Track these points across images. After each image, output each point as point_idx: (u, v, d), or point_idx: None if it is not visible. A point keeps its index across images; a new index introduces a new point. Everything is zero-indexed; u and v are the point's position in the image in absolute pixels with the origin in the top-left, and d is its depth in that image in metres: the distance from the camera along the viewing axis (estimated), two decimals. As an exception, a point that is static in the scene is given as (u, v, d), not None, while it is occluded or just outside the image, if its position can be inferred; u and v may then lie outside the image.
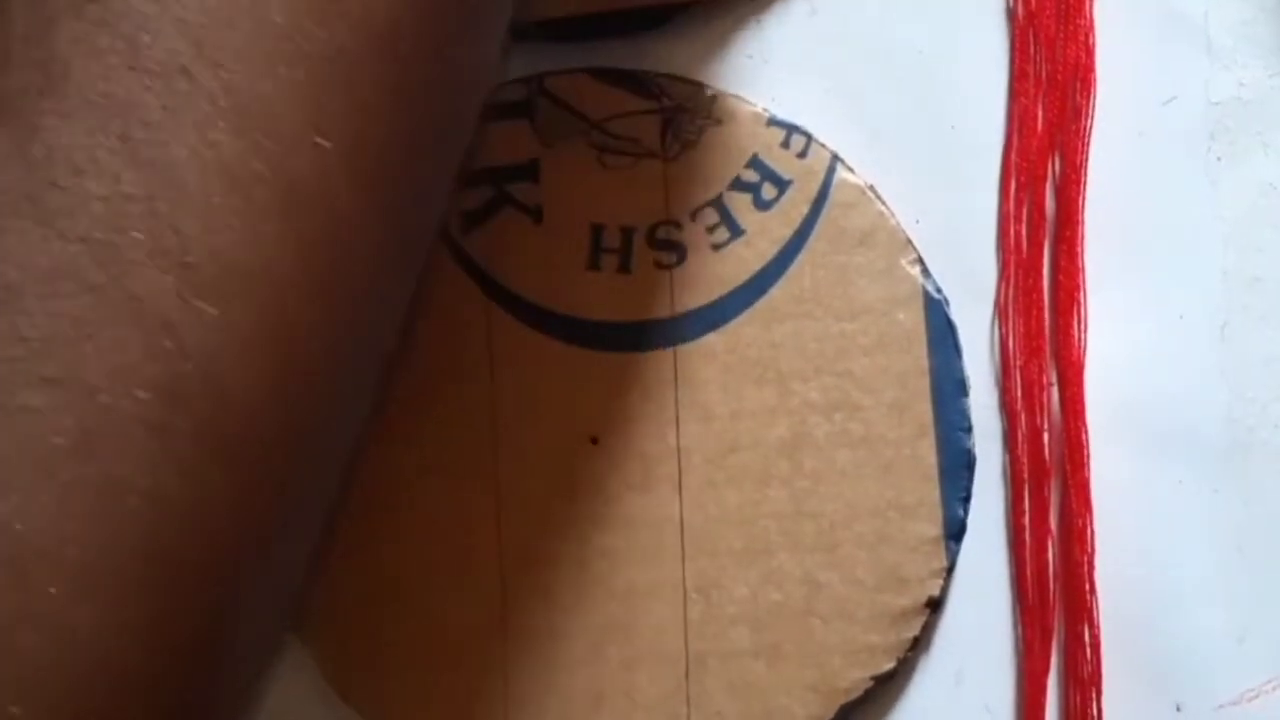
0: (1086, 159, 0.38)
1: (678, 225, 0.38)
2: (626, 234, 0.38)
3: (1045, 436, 0.38)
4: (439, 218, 0.30)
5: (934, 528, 0.38)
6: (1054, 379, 0.39)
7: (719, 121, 0.38)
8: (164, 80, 0.24)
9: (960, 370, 0.38)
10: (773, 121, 0.38)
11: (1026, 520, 0.38)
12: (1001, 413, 0.39)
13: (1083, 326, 0.38)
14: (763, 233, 0.38)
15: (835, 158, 0.38)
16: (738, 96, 0.39)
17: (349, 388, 0.28)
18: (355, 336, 0.27)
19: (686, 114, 0.38)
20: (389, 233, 0.27)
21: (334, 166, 0.25)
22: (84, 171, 0.23)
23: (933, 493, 0.38)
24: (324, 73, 0.24)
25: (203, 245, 0.24)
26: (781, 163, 0.38)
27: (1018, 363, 0.39)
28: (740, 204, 0.38)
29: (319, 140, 0.24)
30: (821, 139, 0.38)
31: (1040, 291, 0.39)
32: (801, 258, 0.38)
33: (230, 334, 0.24)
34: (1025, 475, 0.38)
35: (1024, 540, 0.38)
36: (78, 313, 0.23)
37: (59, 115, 0.24)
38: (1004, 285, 0.39)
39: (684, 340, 0.38)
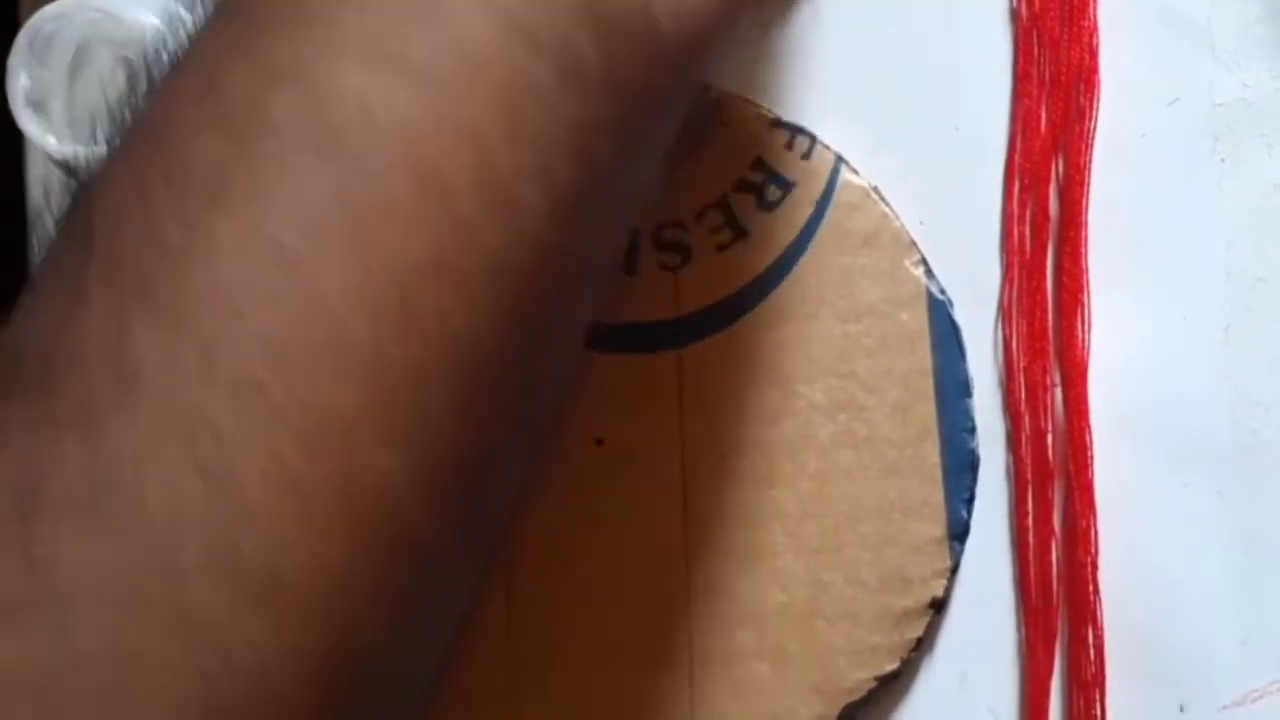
0: (1090, 160, 0.38)
1: (682, 226, 0.39)
2: (631, 235, 0.39)
3: (1049, 438, 0.38)
4: (514, 507, 0.28)
5: (938, 528, 0.38)
6: (1058, 380, 0.39)
7: (724, 123, 0.39)
8: (236, 394, 0.23)
9: (964, 371, 0.38)
10: (777, 123, 0.38)
11: (1030, 521, 0.38)
12: (1005, 414, 0.39)
13: (1086, 328, 0.38)
14: (767, 234, 0.38)
15: (839, 159, 0.38)
16: (742, 98, 0.39)
17: (406, 687, 0.26)
18: (416, 640, 0.26)
19: (691, 115, 0.39)
20: (457, 538, 0.25)
21: (402, 479, 0.24)
22: (146, 481, 0.22)
23: (936, 494, 0.38)
24: (397, 387, 0.23)
25: (261, 560, 0.23)
26: (786, 164, 0.38)
27: (1021, 364, 0.39)
28: (745, 205, 0.38)
29: (387, 454, 0.23)
30: (825, 140, 0.38)
31: (1044, 293, 0.39)
32: (805, 259, 0.38)
33: (283, 652, 0.23)
34: (1029, 476, 0.38)
35: (1027, 541, 0.38)
36: (129, 626, 0.22)
37: (127, 422, 0.23)
38: (1008, 286, 0.39)
39: (689, 341, 0.38)
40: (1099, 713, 0.38)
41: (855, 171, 0.38)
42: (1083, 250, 0.38)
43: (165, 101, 0.24)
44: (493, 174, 0.24)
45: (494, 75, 0.23)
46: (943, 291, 0.38)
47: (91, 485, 0.23)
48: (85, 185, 0.25)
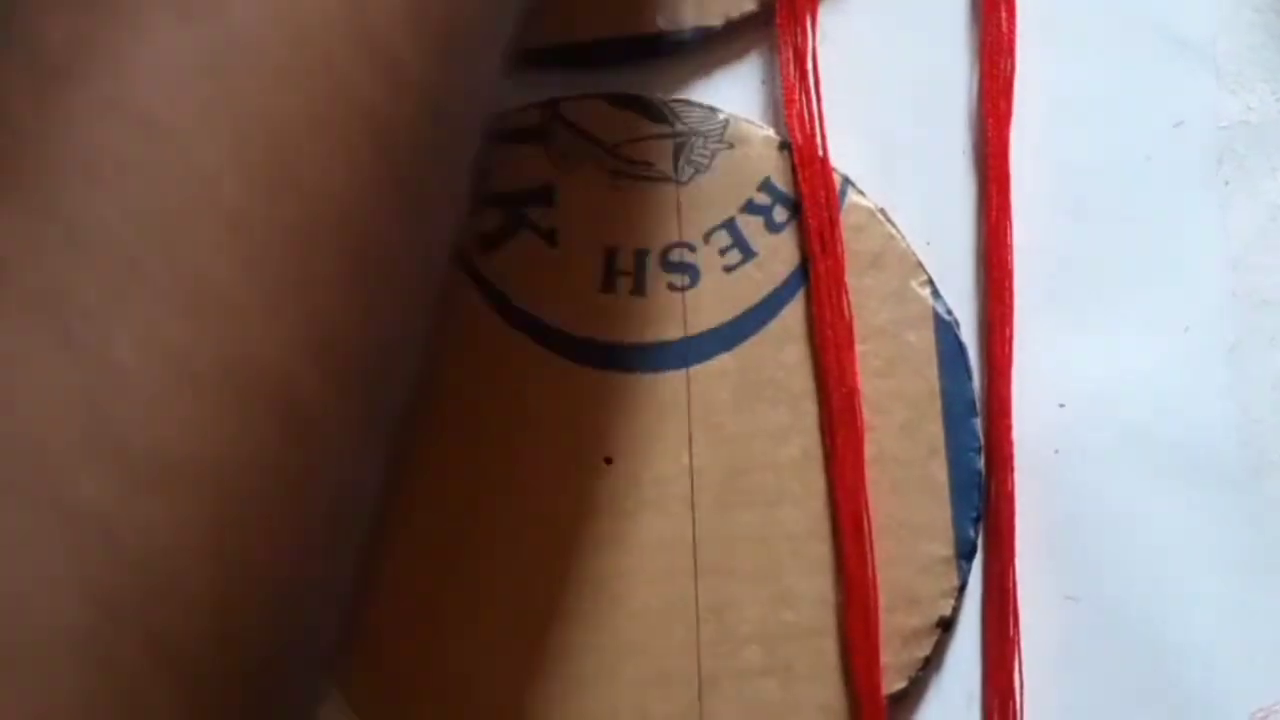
0: (1096, 182, 0.39)
1: (691, 248, 0.39)
2: (640, 256, 0.39)
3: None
4: (411, 389, 0.27)
5: (945, 547, 0.38)
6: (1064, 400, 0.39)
7: (731, 145, 0.39)
8: (108, 269, 0.22)
9: (971, 391, 0.38)
10: (785, 145, 0.39)
11: (1037, 541, 0.39)
12: (1012, 434, 0.39)
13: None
14: (775, 255, 0.39)
15: (846, 180, 0.39)
16: (750, 121, 0.39)
17: (315, 583, 0.25)
18: (321, 528, 0.24)
19: (699, 138, 0.39)
20: (355, 411, 0.24)
21: (290, 346, 0.23)
22: (16, 366, 0.21)
23: (944, 512, 0.38)
24: (280, 252, 0.23)
25: (146, 441, 0.21)
26: (793, 186, 0.39)
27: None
28: (753, 227, 0.39)
29: (273, 322, 0.22)
30: (833, 162, 0.39)
31: (1050, 313, 0.39)
32: (813, 280, 0.39)
33: (177, 538, 0.22)
34: (1036, 496, 0.39)
35: (1035, 561, 0.39)
36: (6, 521, 0.21)
37: None
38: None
39: (697, 361, 0.39)
40: (1106, 732, 0.38)
41: (862, 193, 0.39)
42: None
43: None
44: (363, 22, 0.23)
45: None
46: (949, 312, 0.38)
47: None
48: None
